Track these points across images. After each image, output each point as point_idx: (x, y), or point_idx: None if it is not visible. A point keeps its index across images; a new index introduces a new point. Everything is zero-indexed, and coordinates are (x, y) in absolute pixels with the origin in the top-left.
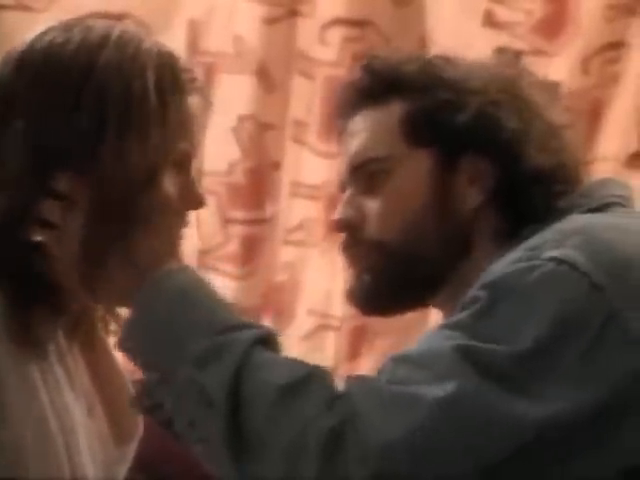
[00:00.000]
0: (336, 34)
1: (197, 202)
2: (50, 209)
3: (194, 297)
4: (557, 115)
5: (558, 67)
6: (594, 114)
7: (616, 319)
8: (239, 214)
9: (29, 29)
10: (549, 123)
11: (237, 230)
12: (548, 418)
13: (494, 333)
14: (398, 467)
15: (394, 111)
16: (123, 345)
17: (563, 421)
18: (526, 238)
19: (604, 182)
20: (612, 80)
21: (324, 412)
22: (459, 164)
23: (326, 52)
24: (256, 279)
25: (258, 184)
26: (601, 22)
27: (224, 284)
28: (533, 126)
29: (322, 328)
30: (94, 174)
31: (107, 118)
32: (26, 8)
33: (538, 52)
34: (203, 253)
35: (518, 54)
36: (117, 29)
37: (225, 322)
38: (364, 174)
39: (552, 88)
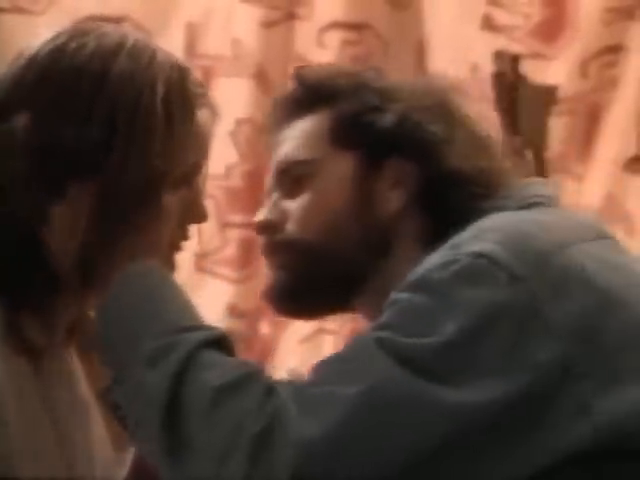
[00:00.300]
0: (334, 37)
1: (199, 217)
2: (55, 212)
3: (155, 297)
4: (484, 128)
5: (556, 70)
6: (592, 117)
7: (537, 310)
8: (237, 218)
9: (27, 32)
10: (473, 133)
11: (235, 234)
12: (470, 408)
13: (416, 328)
14: (319, 465)
15: (323, 118)
16: (94, 343)
17: (485, 411)
18: (447, 240)
19: (528, 183)
20: (611, 83)
21: (255, 413)
22: (383, 167)
23: (324, 55)
24: (254, 282)
25: (256, 187)
26: (599, 25)
27: (222, 287)
28: (456, 134)
29: (320, 332)
30: (99, 180)
31: (117, 128)
32: (23, 11)
33: (536, 55)
34: (201, 256)
35: (516, 57)
36: (131, 38)
37: (179, 323)
38: (289, 178)
39: (550, 91)
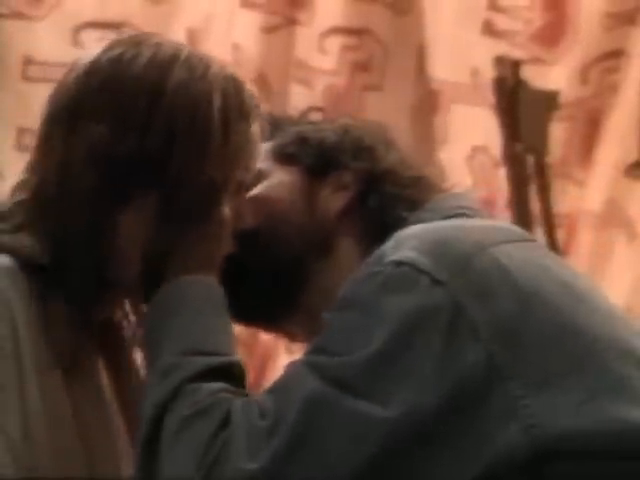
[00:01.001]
0: (334, 43)
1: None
2: (121, 220)
3: (190, 312)
4: (410, 157)
5: (557, 76)
6: (593, 123)
7: (461, 313)
8: None
9: (27, 38)
10: (403, 158)
11: None
12: (400, 421)
13: (344, 345)
14: None
15: (268, 145)
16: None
17: (415, 423)
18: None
19: (450, 196)
20: (611, 89)
21: (207, 445)
22: (326, 177)
23: (325, 61)
24: None
25: None
26: (600, 31)
27: None
28: (387, 158)
29: None
30: (160, 189)
31: (175, 137)
32: (23, 16)
33: (537, 61)
34: None
35: (517, 62)
36: (186, 49)
37: (197, 344)
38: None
39: (551, 97)
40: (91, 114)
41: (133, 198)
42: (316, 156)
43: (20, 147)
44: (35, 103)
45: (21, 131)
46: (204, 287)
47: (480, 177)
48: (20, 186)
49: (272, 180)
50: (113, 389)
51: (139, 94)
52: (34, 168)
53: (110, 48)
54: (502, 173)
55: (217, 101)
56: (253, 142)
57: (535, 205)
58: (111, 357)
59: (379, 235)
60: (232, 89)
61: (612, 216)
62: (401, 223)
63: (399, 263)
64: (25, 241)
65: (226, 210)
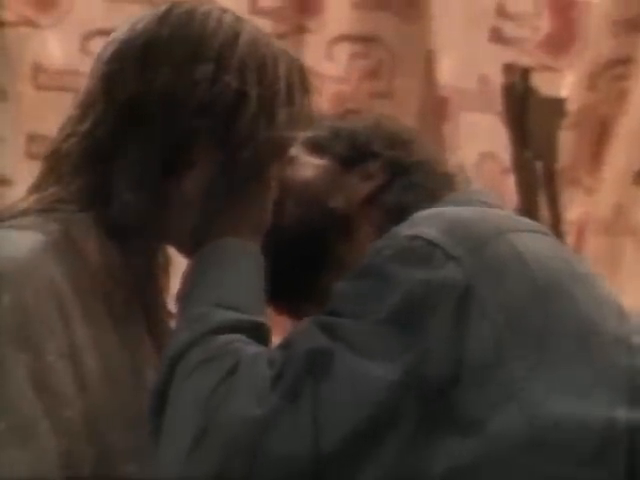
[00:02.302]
0: (343, 50)
1: None
2: (186, 175)
3: (227, 270)
4: (439, 154)
5: (566, 83)
6: (602, 130)
7: (472, 290)
8: None
9: (36, 45)
10: (434, 154)
11: None
12: (403, 384)
13: (351, 309)
14: (256, 442)
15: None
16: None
17: (417, 389)
18: None
19: (471, 190)
20: (620, 96)
21: (211, 391)
22: (353, 167)
23: (333, 68)
24: None
25: None
26: (608, 38)
27: None
28: (421, 151)
29: None
30: (223, 145)
31: (245, 93)
32: (32, 24)
33: (545, 68)
34: None
35: (526, 70)
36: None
37: (225, 298)
38: None
39: (559, 104)
40: (165, 60)
41: (199, 156)
42: (347, 147)
43: (30, 154)
44: (45, 110)
45: (31, 138)
46: (248, 251)
47: (488, 184)
48: (63, 140)
49: (303, 165)
50: (151, 341)
51: (213, 46)
52: (84, 113)
53: (171, 8)
54: (511, 180)
55: (282, 67)
56: (309, 116)
57: (544, 212)
58: (151, 311)
59: (399, 223)
60: (294, 62)
61: (621, 223)
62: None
63: (414, 237)
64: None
65: (274, 174)
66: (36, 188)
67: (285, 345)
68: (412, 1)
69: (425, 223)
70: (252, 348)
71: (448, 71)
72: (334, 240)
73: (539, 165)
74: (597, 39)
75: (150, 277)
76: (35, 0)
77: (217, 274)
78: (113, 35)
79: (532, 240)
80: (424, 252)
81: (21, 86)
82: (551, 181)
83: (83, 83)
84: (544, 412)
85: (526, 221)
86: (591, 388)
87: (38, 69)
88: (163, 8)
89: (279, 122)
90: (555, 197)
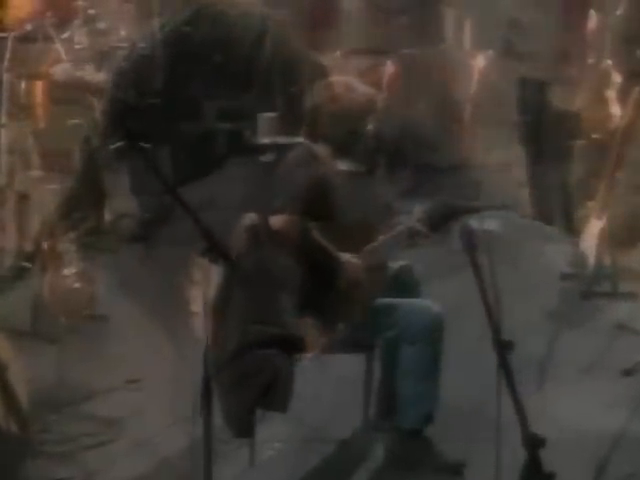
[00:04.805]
0: (356, 64)
1: None
2: None
3: None
4: None
5: (579, 96)
6: (616, 144)
7: None
8: None
9: None
10: None
11: None
12: None
13: None
14: None
15: None
16: None
17: None
18: None
19: None
20: (635, 109)
21: None
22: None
23: None
24: None
25: None
26: (622, 53)
27: None
28: None
29: None
30: None
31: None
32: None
33: (561, 81)
34: None
35: (541, 83)
36: None
37: None
38: None
39: (574, 117)
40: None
41: None
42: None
43: None
44: None
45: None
46: None
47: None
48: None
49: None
50: None
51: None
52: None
53: None
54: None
55: None
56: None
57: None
58: None
59: None
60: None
61: (635, 236)
62: None
63: None
64: None
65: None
66: None
67: None
68: None
69: None
70: None
71: (462, 84)
72: None
73: (554, 178)
74: (612, 52)
75: None
76: None
77: None
78: None
79: None
80: None
81: None
82: (567, 195)
83: None
84: None
85: None
86: None
87: None
88: None
89: None
90: (570, 209)
